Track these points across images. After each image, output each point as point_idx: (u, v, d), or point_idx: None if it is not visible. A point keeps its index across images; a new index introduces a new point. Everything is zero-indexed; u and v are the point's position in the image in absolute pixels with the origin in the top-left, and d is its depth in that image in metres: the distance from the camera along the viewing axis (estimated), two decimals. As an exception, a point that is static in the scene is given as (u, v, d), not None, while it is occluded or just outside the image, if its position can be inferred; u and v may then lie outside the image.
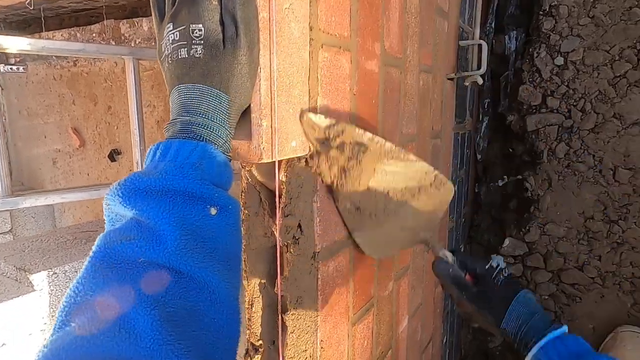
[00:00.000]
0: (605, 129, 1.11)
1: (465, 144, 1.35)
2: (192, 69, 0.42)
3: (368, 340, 0.76)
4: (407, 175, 0.64)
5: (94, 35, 2.04)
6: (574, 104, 1.14)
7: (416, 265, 1.00)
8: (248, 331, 0.61)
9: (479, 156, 1.45)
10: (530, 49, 1.20)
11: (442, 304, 1.28)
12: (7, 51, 0.95)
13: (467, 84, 1.11)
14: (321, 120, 0.51)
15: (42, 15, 2.30)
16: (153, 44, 1.91)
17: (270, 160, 0.47)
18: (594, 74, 1.11)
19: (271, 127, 0.46)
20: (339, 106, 0.59)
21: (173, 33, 0.42)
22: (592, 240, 1.16)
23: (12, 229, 2.28)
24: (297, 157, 0.53)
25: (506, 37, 1.34)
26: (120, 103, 2.09)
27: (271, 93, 0.46)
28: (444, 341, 1.35)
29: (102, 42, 2.00)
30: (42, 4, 2.20)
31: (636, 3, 1.05)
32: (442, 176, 0.69)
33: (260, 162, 0.48)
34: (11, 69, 2.23)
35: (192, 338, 0.33)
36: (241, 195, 0.59)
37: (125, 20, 1.93)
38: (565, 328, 0.63)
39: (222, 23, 0.42)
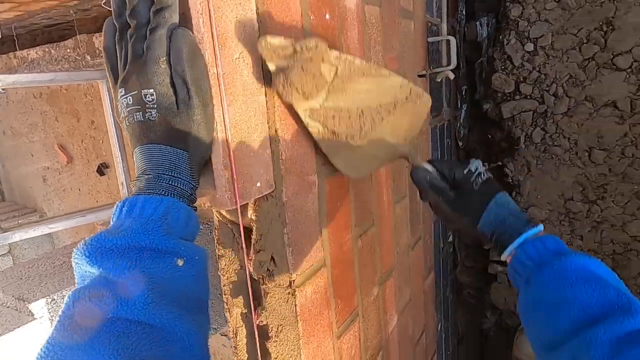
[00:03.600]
0: (578, 112, 1.13)
1: (445, 134, 1.37)
2: (149, 131, 0.43)
3: (356, 348, 0.79)
4: (381, 92, 0.63)
5: (68, 50, 2.02)
6: (546, 89, 1.15)
7: (402, 265, 1.02)
8: (235, 358, 0.64)
9: (460, 143, 1.47)
10: (501, 37, 1.21)
11: (434, 293, 1.31)
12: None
13: (438, 79, 1.12)
14: (283, 41, 0.47)
15: (14, 33, 2.27)
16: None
17: (234, 207, 0.49)
18: (563, 58, 1.12)
19: (233, 175, 0.48)
20: (303, 139, 0.60)
21: (126, 98, 0.44)
22: (573, 221, 1.19)
23: (10, 250, 2.31)
24: (263, 195, 0.55)
25: (477, 23, 1.34)
26: (103, 117, 2.09)
27: (229, 144, 0.47)
28: (439, 327, 1.39)
29: (77, 57, 1.98)
30: (13, 22, 2.17)
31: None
32: (418, 88, 0.68)
33: (226, 209, 0.50)
34: (-11, 90, 2.21)
35: None
36: (215, 232, 0.61)
37: (98, 34, 1.91)
38: (541, 227, 0.62)
39: (173, 85, 0.43)
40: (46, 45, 2.13)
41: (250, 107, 0.50)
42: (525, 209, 1.25)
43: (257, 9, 0.51)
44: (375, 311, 0.88)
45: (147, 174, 0.44)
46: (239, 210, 0.50)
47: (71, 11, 1.80)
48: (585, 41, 1.10)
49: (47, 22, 2.18)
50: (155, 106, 0.43)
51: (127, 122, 0.44)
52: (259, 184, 0.53)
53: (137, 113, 0.43)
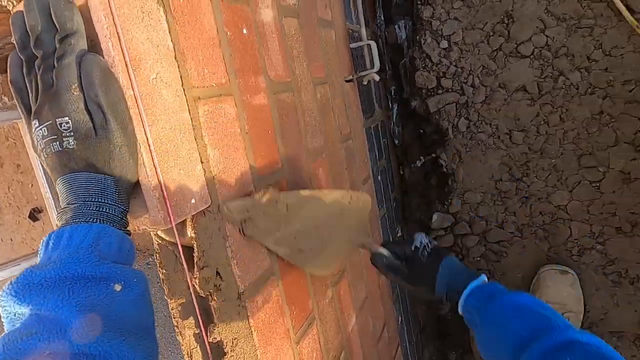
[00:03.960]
0: (495, 99, 1.22)
1: (380, 133, 1.42)
2: (70, 161, 0.43)
3: (317, 352, 0.80)
4: (327, 206, 0.75)
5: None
6: (464, 81, 1.24)
7: (353, 264, 1.05)
8: (194, 381, 0.62)
9: (396, 141, 1.53)
10: (418, 37, 1.28)
11: (390, 289, 1.35)
12: None
13: (365, 82, 1.16)
14: (241, 202, 0.57)
15: None
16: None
17: (169, 227, 0.49)
18: (475, 51, 1.21)
19: (164, 194, 0.48)
20: (232, 150, 0.61)
21: (40, 129, 0.43)
22: (505, 200, 1.28)
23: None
24: (200, 211, 0.55)
25: (396, 27, 1.41)
26: (28, 159, 1.97)
27: (155, 164, 0.47)
28: (400, 321, 1.43)
29: (-7, 99, 1.85)
30: None
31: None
32: (356, 192, 0.83)
33: (162, 228, 0.50)
34: None
35: None
36: (156, 256, 0.60)
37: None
38: (483, 277, 0.73)
39: (88, 111, 0.43)
40: (-44, 90, 1.97)
41: (175, 126, 0.51)
42: (461, 194, 1.32)
43: (169, 28, 0.51)
44: (332, 313, 0.89)
45: (72, 204, 0.43)
46: (174, 229, 0.50)
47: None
48: (491, 34, 1.19)
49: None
50: (72, 134, 0.42)
51: (44, 154, 0.43)
52: (193, 201, 0.53)
53: (54, 143, 0.42)
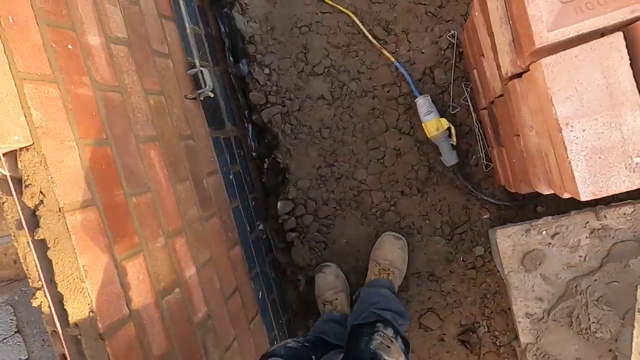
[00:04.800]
0: (305, 107, 1.63)
1: (233, 145, 1.78)
2: None
3: (144, 275, 1.06)
4: None
5: None
6: (283, 96, 1.65)
7: (194, 230, 1.34)
8: (30, 279, 0.87)
9: (254, 154, 1.89)
10: (250, 68, 1.70)
11: (245, 265, 1.63)
12: None
13: (201, 98, 1.53)
14: None
15: None
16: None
17: (-4, 148, 0.78)
18: (287, 74, 1.64)
19: (-9, 128, 0.77)
20: (54, 115, 0.92)
21: None
22: (325, 182, 1.66)
23: None
24: (25, 147, 0.84)
25: (241, 64, 1.83)
26: None
27: (-15, 108, 0.77)
28: (259, 296, 1.70)
29: None
30: None
31: (296, 22, 1.61)
32: None
33: (-9, 152, 0.78)
34: None
35: None
36: (-3, 186, 0.87)
37: None
38: None
39: None
40: None
41: (4, 91, 0.81)
42: (295, 183, 1.69)
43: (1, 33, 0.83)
44: (165, 256, 1.16)
45: None
46: (1, 158, 0.79)
47: None
48: (296, 60, 1.64)
49: None
50: None
51: None
52: (17, 137, 0.82)
53: None
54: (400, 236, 1.60)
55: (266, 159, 1.78)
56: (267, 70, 1.67)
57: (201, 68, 1.53)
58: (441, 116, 1.51)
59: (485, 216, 1.57)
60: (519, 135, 1.08)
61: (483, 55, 1.26)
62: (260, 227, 1.88)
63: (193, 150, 1.47)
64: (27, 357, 1.72)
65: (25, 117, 0.85)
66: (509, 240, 1.37)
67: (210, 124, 1.64)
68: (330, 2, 1.58)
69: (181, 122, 1.43)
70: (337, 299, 1.60)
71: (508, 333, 1.57)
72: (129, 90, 1.19)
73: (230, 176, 1.70)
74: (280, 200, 1.73)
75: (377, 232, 1.62)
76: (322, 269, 1.68)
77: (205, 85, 1.53)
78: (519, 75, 0.97)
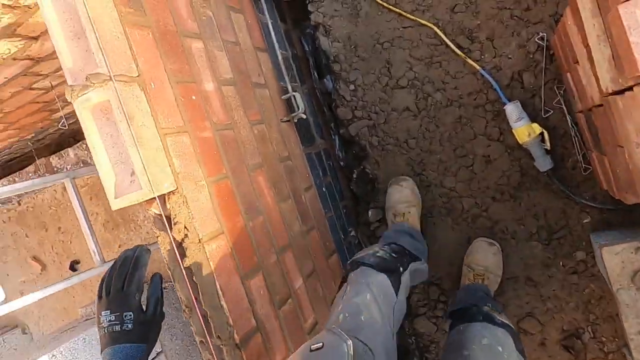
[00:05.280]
0: (391, 119, 1.70)
1: (323, 157, 1.90)
2: (125, 337, 0.76)
3: (264, 290, 1.22)
4: None
5: (30, 175, 2.47)
6: (369, 110, 1.73)
7: (298, 244, 1.49)
8: (180, 293, 1.06)
9: (342, 163, 2.01)
10: (335, 85, 1.80)
11: (342, 272, 1.76)
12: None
13: (295, 120, 1.67)
14: None
15: (-22, 173, 2.70)
16: (81, 165, 2.36)
17: (153, 197, 0.96)
18: (372, 89, 1.72)
19: (149, 180, 0.96)
20: (188, 161, 1.09)
21: (109, 316, 0.76)
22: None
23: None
24: (171, 191, 1.02)
25: (325, 80, 1.94)
26: (67, 221, 2.49)
27: (144, 166, 0.96)
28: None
29: (38, 177, 2.42)
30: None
31: (378, 39, 1.68)
32: None
33: (146, 199, 0.97)
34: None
35: None
36: (153, 224, 1.06)
37: (54, 155, 2.38)
38: None
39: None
40: (10, 176, 2.56)
41: (154, 147, 1.00)
42: (384, 192, 1.77)
43: (147, 99, 1.02)
44: (278, 271, 1.32)
45: None
46: (157, 199, 0.97)
47: (29, 143, 2.27)
48: (380, 75, 1.70)
49: (6, 157, 2.62)
50: (132, 321, 0.76)
51: (105, 330, 0.74)
52: (166, 185, 1.00)
53: (116, 326, 0.75)
54: (494, 242, 1.61)
55: (355, 169, 1.88)
56: (352, 87, 1.76)
57: (293, 93, 1.66)
58: (533, 121, 1.49)
59: (585, 220, 1.52)
60: (622, 147, 1.05)
61: (578, 62, 1.24)
62: (352, 233, 2.00)
63: (291, 170, 1.61)
64: (161, 349, 2.01)
65: (170, 166, 1.03)
66: (617, 258, 1.33)
67: (302, 142, 1.77)
68: (411, 16, 1.62)
69: (280, 145, 1.58)
70: (410, 212, 1.61)
71: (617, 340, 1.52)
72: (238, 125, 1.35)
73: (323, 188, 1.83)
74: (370, 208, 1.82)
75: (469, 238, 1.65)
76: (400, 182, 1.66)
77: (298, 108, 1.66)
78: (621, 91, 0.96)
